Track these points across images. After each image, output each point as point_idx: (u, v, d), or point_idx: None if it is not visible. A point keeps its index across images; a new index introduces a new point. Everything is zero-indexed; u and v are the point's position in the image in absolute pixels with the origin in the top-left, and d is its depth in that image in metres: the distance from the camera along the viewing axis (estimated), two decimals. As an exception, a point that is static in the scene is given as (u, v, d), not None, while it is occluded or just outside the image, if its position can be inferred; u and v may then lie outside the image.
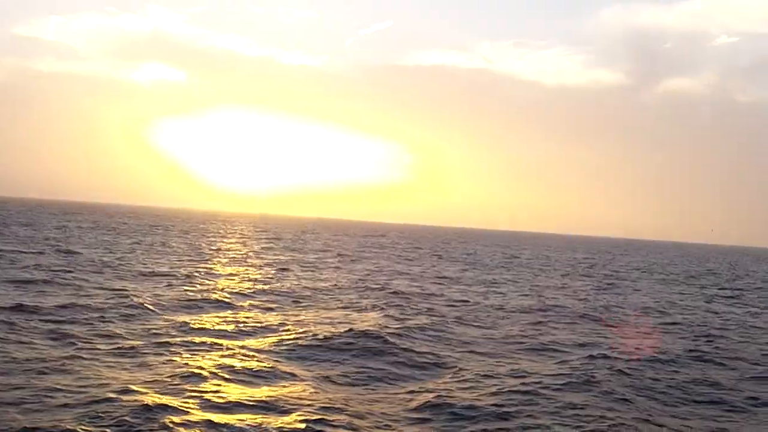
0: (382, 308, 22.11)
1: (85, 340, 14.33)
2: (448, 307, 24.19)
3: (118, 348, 13.86)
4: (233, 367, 12.82)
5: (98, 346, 13.88)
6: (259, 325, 17.90)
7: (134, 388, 10.78)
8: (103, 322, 16.59)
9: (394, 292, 27.19)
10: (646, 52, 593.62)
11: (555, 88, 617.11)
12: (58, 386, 10.72)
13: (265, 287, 26.79)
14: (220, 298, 22.31)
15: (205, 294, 23.18)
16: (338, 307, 22.30)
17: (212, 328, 16.94)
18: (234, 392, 11.18)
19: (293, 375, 12.59)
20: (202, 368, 12.40)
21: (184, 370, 12.24)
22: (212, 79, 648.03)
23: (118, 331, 15.49)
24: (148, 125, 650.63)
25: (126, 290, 22.21)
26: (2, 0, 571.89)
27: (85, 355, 12.96)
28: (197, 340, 15.09)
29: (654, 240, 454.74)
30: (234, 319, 18.51)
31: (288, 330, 17.17)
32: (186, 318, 18.10)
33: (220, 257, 42.93)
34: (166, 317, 18.10)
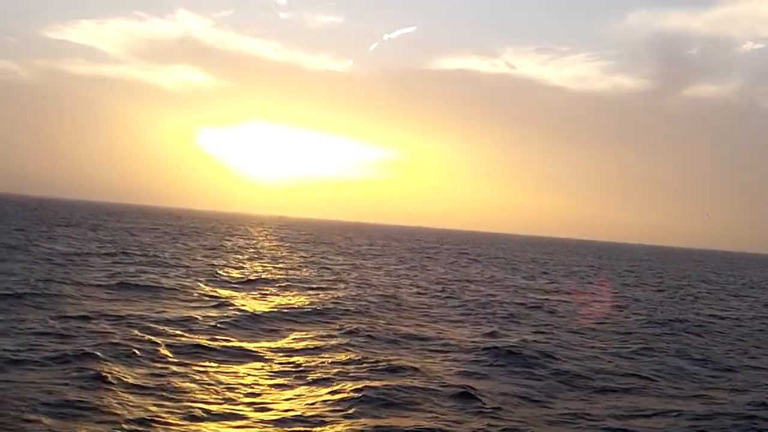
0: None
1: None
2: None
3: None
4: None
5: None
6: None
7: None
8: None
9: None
10: (670, 58, 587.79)
11: (578, 93, 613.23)
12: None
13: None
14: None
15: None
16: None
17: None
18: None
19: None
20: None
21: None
22: (238, 82, 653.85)
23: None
24: (172, 127, 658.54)
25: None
26: (34, 4, 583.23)
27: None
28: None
29: (680, 247, 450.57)
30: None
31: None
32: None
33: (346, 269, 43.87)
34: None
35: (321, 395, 12.16)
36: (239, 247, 59.63)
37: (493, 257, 79.74)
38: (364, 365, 14.43)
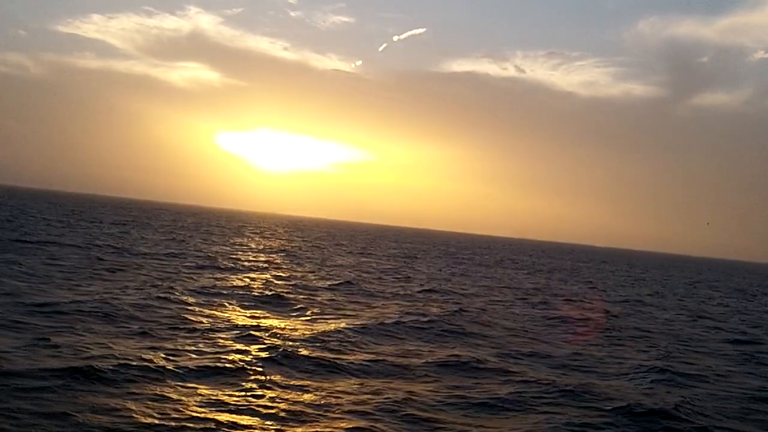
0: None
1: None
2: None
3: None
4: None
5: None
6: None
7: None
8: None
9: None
10: (681, 66, 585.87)
11: (587, 99, 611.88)
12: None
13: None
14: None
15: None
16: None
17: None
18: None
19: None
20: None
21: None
22: (247, 80, 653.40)
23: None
24: (180, 123, 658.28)
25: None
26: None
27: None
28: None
29: (683, 255, 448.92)
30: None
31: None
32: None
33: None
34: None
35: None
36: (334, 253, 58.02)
37: (573, 271, 78.12)
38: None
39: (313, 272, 36.57)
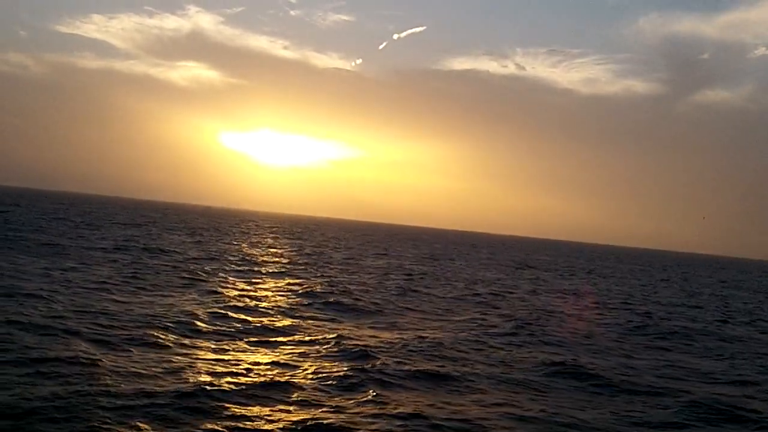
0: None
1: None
2: None
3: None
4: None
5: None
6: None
7: None
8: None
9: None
10: (682, 62, 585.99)
11: (587, 96, 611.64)
12: None
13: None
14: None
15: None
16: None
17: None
18: None
19: None
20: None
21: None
22: (247, 79, 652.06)
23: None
24: (181, 122, 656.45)
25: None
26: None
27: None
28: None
29: (683, 252, 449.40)
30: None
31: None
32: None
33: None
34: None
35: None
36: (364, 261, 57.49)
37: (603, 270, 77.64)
38: None
39: (372, 276, 36.22)
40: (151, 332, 15.02)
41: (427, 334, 18.46)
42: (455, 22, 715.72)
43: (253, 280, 28.57)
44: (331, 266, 40.66)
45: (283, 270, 34.73)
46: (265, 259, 41.48)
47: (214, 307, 19.67)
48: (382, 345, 16.31)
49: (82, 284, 21.38)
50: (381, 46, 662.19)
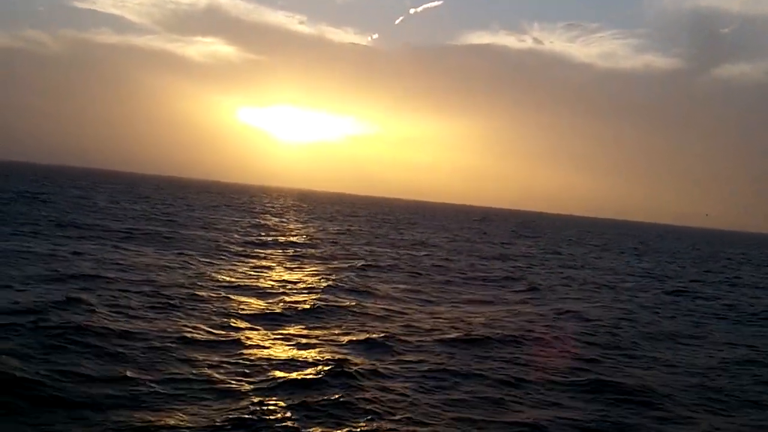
0: None
1: None
2: None
3: None
4: None
5: None
6: None
7: None
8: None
9: None
10: (703, 37, 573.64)
11: (605, 71, 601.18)
12: None
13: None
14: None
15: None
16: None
17: None
18: None
19: None
20: None
21: None
22: (264, 54, 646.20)
23: None
24: (197, 98, 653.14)
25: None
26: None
27: None
28: None
29: (701, 228, 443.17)
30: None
31: None
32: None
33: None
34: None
35: None
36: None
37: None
38: None
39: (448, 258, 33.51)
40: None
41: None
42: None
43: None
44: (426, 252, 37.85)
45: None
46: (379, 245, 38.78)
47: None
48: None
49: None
50: (397, 21, 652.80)
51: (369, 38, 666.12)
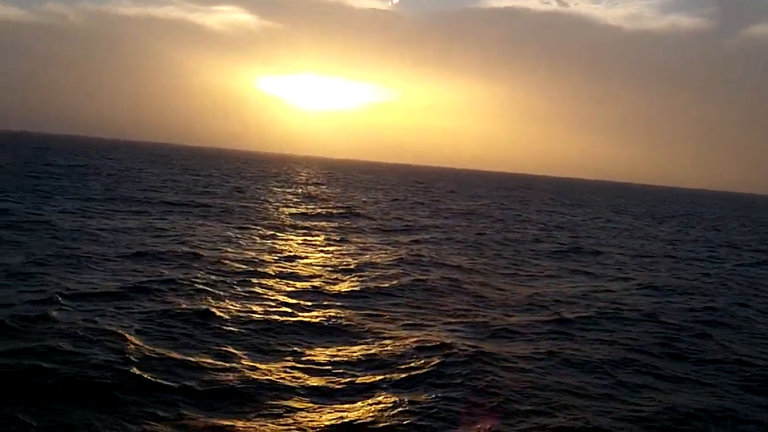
0: None
1: None
2: None
3: None
4: None
5: None
6: None
7: None
8: None
9: None
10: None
11: (631, 33, 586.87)
12: None
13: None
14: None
15: None
16: None
17: None
18: None
19: None
20: None
21: None
22: (284, 22, 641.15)
23: None
24: (219, 67, 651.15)
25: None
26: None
27: None
28: None
29: (734, 192, 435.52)
30: None
31: None
32: None
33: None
34: None
35: None
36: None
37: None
38: None
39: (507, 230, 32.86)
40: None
41: None
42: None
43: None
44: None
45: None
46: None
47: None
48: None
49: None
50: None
51: (390, 2, 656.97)
